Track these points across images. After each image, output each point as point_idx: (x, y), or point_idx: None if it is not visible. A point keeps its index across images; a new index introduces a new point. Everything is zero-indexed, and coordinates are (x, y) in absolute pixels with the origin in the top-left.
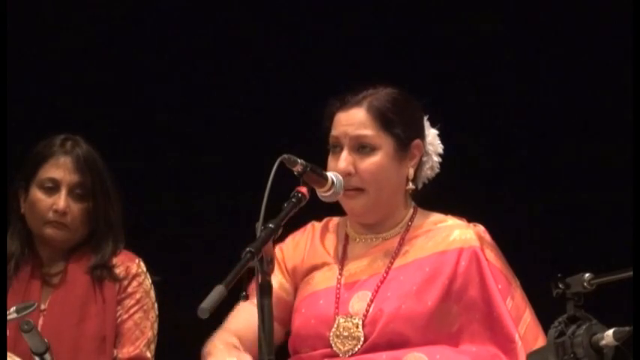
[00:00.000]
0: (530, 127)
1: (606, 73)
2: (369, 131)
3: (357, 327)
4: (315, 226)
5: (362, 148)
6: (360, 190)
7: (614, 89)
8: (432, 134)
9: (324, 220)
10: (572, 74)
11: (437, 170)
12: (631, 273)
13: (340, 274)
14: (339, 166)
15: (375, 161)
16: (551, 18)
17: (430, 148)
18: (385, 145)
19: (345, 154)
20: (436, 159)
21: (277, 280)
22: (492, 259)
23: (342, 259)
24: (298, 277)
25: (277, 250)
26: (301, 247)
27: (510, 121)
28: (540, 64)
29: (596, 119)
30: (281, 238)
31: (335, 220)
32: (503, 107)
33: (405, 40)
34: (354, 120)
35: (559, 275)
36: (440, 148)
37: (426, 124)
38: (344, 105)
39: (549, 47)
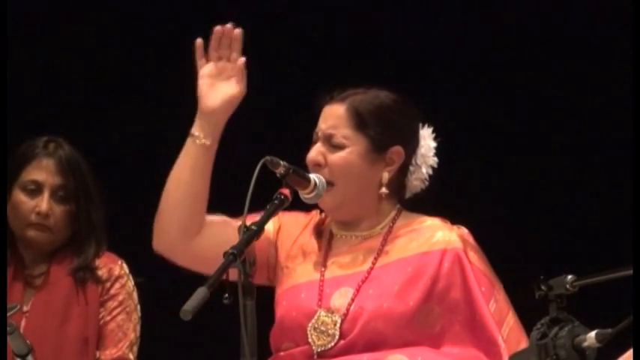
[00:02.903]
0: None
1: (596, 72)
2: (340, 129)
3: (335, 325)
4: (315, 216)
5: (331, 143)
6: (329, 184)
7: (601, 87)
8: (427, 146)
9: (324, 215)
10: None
11: (427, 183)
12: (613, 275)
13: (323, 268)
14: (309, 156)
15: (343, 156)
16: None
17: (421, 160)
18: (357, 144)
19: (317, 146)
20: (425, 171)
21: (267, 228)
22: (475, 261)
23: (326, 255)
24: (281, 251)
25: (281, 214)
26: (299, 228)
27: (488, 122)
28: (525, 63)
29: (575, 119)
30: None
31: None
32: (481, 107)
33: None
34: (331, 115)
35: (541, 277)
36: (432, 161)
37: (424, 135)
38: (331, 100)
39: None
